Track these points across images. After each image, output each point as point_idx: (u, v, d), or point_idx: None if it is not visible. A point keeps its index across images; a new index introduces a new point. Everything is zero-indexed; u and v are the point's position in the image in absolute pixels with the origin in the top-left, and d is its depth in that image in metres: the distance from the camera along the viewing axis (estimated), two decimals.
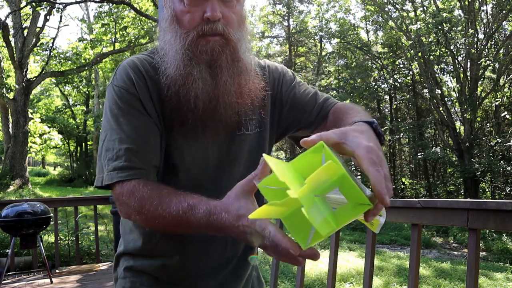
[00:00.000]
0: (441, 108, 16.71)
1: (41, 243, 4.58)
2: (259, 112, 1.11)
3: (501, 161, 15.20)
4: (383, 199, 0.64)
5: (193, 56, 0.98)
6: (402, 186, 19.54)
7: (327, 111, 1.14)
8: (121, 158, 0.94)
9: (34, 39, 13.54)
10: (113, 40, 19.17)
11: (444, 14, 15.77)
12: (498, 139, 16.02)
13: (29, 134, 15.83)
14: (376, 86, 19.97)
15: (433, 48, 16.61)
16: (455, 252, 10.51)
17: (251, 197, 0.79)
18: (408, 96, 19.53)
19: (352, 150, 0.71)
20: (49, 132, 20.25)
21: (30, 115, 15.68)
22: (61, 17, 16.01)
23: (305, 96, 1.17)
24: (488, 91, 16.95)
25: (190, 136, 1.04)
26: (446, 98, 17.31)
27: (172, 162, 1.04)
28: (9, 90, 12.88)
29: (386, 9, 18.88)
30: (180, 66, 0.98)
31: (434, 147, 16.77)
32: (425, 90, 17.47)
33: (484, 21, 16.46)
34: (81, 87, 25.20)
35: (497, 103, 16.85)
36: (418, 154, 16.80)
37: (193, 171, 1.05)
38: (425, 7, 17.46)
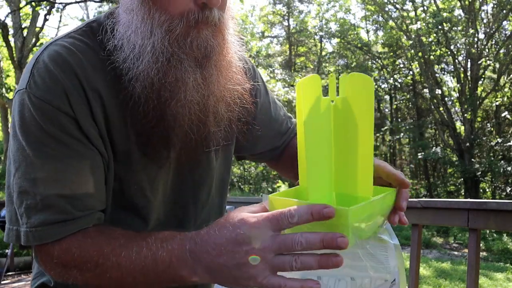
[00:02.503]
0: (441, 108, 16.71)
1: None
2: (229, 121, 0.80)
3: (502, 161, 15.19)
4: (404, 181, 0.71)
5: (183, 56, 0.68)
6: None
7: (291, 137, 1.00)
8: (50, 208, 0.66)
9: (34, 39, 13.52)
10: None
11: (445, 14, 15.78)
12: (498, 139, 16.02)
13: None
14: (376, 86, 19.98)
15: (433, 48, 16.61)
16: (456, 252, 10.49)
17: None
18: (408, 96, 19.54)
19: None
20: None
21: None
22: (61, 17, 16.01)
23: (279, 121, 0.97)
24: (489, 91, 16.95)
25: (155, 165, 0.75)
26: (446, 98, 17.31)
27: (129, 202, 0.76)
28: (8, 90, 12.86)
29: (386, 9, 18.87)
30: (166, 70, 0.68)
31: (434, 147, 16.77)
32: (426, 90, 17.47)
33: (485, 20, 16.44)
34: None
35: (497, 103, 16.85)
36: (418, 154, 16.80)
37: (159, 209, 0.79)
38: (425, 7, 17.45)
